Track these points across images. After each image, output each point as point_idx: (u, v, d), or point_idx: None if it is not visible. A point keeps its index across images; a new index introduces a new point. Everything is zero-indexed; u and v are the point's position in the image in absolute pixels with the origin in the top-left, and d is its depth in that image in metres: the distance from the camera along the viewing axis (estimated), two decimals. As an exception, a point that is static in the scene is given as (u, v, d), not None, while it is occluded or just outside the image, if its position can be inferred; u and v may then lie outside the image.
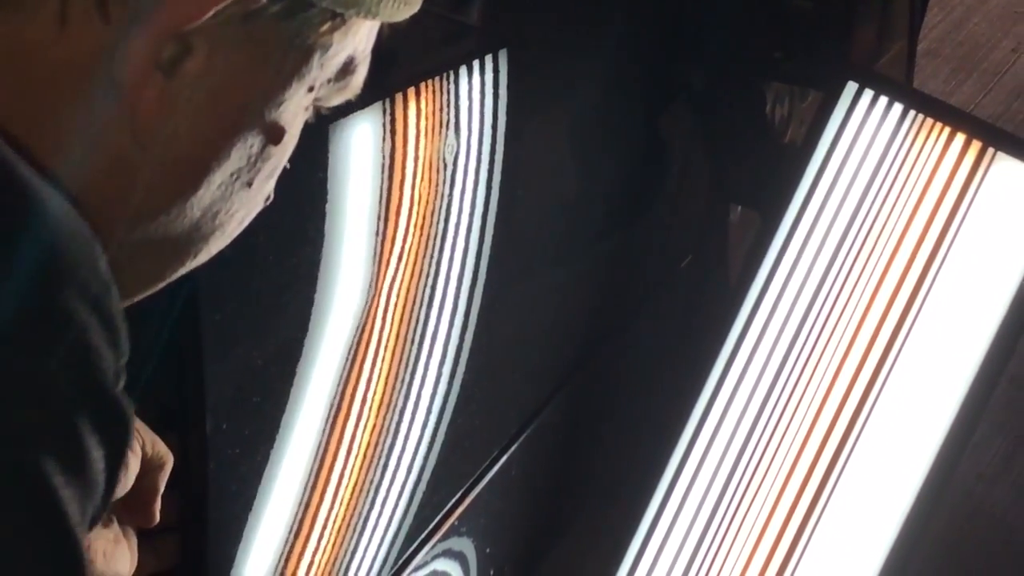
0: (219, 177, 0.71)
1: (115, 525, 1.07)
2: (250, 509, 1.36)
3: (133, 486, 1.06)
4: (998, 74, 4.77)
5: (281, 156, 0.75)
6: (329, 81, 0.75)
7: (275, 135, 0.72)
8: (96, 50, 0.64)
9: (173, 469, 1.15)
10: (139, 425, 1.06)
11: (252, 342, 1.27)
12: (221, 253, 1.15)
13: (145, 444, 1.06)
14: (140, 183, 0.67)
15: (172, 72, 0.65)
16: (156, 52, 0.64)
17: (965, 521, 2.85)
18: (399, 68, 1.46)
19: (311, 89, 0.73)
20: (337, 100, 0.78)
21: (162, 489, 1.10)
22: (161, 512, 1.17)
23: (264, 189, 0.76)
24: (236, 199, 0.73)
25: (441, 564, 1.83)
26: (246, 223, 0.76)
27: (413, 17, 0.75)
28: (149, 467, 1.07)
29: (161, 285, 0.75)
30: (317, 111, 0.78)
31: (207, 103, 0.68)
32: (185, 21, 0.64)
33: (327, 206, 1.34)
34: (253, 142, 0.72)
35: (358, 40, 0.74)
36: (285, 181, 1.22)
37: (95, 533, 1.03)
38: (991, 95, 4.63)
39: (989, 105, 4.56)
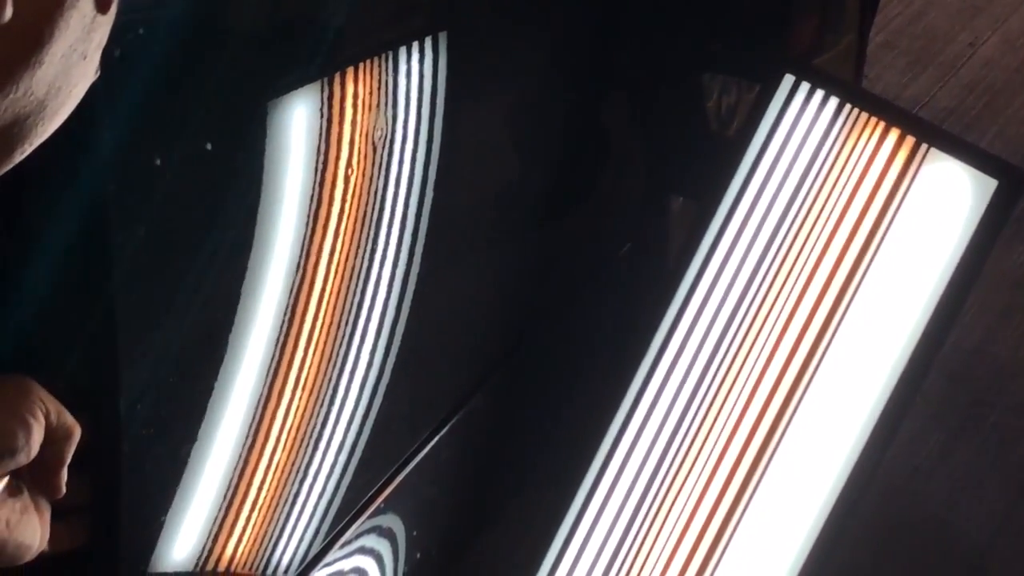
0: (60, 49, 0.70)
1: (25, 496, 1.08)
2: (168, 489, 1.36)
3: (38, 455, 1.06)
4: (954, 68, 4.78)
5: (107, 26, 0.75)
6: None
7: (104, 3, 0.72)
8: None
9: (87, 448, 1.16)
10: (44, 394, 1.06)
11: (170, 322, 1.27)
12: (140, 229, 1.16)
13: (50, 413, 1.06)
14: None
15: None
16: None
17: (900, 514, 2.87)
18: (340, 47, 1.46)
19: None
20: None
21: (68, 459, 1.11)
22: (76, 491, 1.18)
23: (95, 61, 0.76)
24: (75, 72, 0.73)
25: (366, 546, 1.83)
26: (80, 97, 0.76)
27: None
28: (54, 436, 1.08)
29: (8, 167, 0.74)
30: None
31: None
32: None
33: (258, 186, 1.33)
34: (86, 11, 0.71)
35: None
36: (214, 159, 1.22)
37: (-2, 501, 1.03)
38: (946, 89, 4.65)
39: (943, 99, 4.58)
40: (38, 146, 0.75)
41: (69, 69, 0.72)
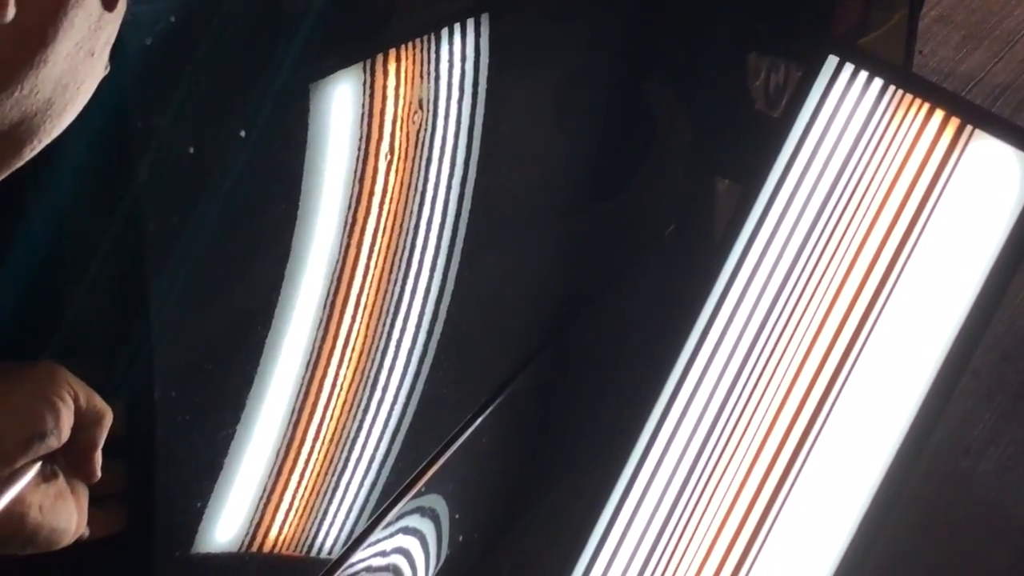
0: (65, 48, 0.70)
1: (60, 481, 1.09)
2: (206, 475, 1.37)
3: (70, 439, 1.07)
4: (1010, 43, 4.73)
5: (115, 23, 0.75)
6: None
7: (110, 0, 0.72)
8: None
9: (123, 435, 1.17)
10: (73, 379, 1.07)
11: (206, 309, 1.27)
12: (175, 217, 1.16)
13: (79, 397, 1.07)
14: None
15: None
16: None
17: (950, 495, 2.85)
18: (378, 30, 1.46)
19: None
20: None
21: (100, 443, 1.11)
22: (114, 476, 1.19)
23: (104, 57, 0.76)
24: (82, 69, 0.73)
25: (410, 526, 1.84)
26: (90, 94, 0.76)
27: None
28: (85, 420, 1.08)
29: (18, 165, 0.74)
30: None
31: None
32: None
33: (295, 171, 1.33)
34: (92, 9, 0.71)
35: None
36: (252, 142, 1.23)
37: (31, 487, 1.04)
38: (1002, 63, 4.60)
39: (999, 74, 4.53)
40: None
41: (76, 66, 0.72)
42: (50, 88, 0.71)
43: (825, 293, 1.97)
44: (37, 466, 1.05)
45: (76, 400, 1.07)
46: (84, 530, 1.13)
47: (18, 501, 1.02)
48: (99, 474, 1.13)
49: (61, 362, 1.08)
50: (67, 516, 1.09)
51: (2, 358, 1.06)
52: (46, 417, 1.04)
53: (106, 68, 0.76)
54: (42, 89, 0.70)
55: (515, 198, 1.87)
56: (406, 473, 1.76)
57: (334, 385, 1.52)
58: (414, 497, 1.80)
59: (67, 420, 1.06)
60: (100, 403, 1.10)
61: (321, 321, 1.45)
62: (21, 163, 0.73)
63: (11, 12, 0.63)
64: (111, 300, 1.18)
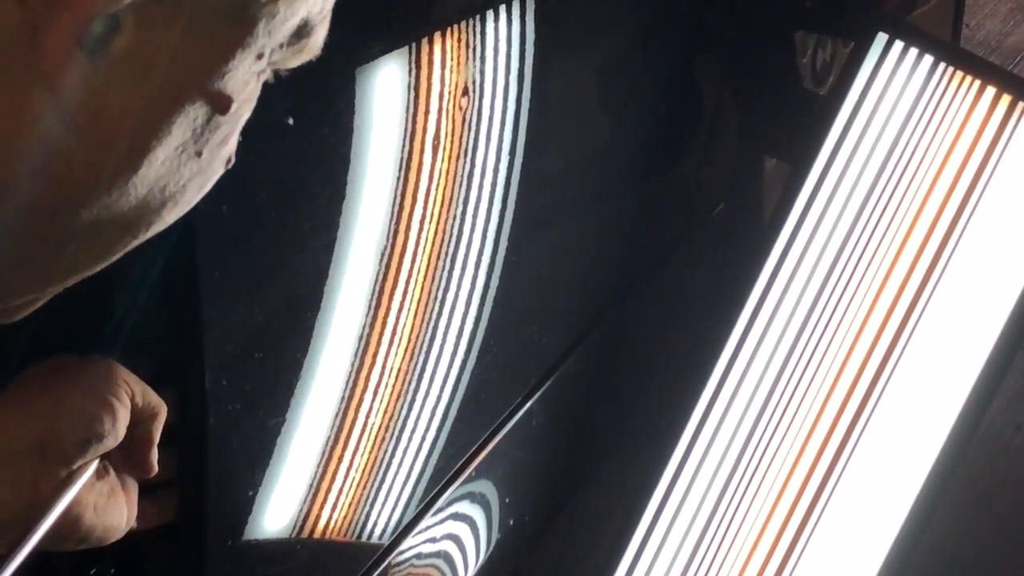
0: (162, 153, 0.68)
1: (111, 477, 1.08)
2: (257, 463, 1.37)
3: (126, 436, 1.06)
4: (1058, 15, 4.69)
5: (234, 122, 0.73)
6: (282, 46, 0.73)
7: (221, 105, 0.70)
8: (12, 38, 0.61)
9: (173, 424, 1.16)
10: (128, 376, 1.06)
11: (255, 297, 1.27)
12: (223, 206, 1.16)
13: (135, 395, 1.06)
14: (77, 168, 0.64)
15: (98, 51, 0.62)
16: (77, 33, 0.61)
17: (1002, 471, 2.83)
18: (428, 11, 1.45)
19: (260, 56, 0.71)
20: (295, 63, 0.75)
21: (157, 438, 1.11)
22: (163, 467, 1.18)
23: (220, 155, 0.73)
24: (186, 171, 0.71)
25: (460, 512, 1.83)
26: (206, 190, 0.74)
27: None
28: (141, 417, 1.08)
29: (114, 259, 0.72)
30: (276, 73, 0.75)
31: (140, 80, 0.65)
32: (105, 5, 0.61)
33: (343, 158, 1.33)
34: (197, 114, 0.69)
35: (311, 3, 0.73)
36: (298, 128, 1.22)
37: (86, 487, 1.04)
38: (1049, 37, 4.57)
39: (1046, 47, 4.50)
40: None
41: (177, 168, 0.69)
42: (144, 190, 0.68)
43: (877, 271, 1.96)
44: (94, 466, 1.04)
45: (132, 398, 1.06)
46: (134, 522, 1.13)
47: (74, 502, 1.02)
48: (156, 469, 1.12)
49: (113, 355, 1.08)
50: (119, 513, 1.09)
51: (55, 353, 1.06)
52: (103, 418, 1.03)
53: (228, 163, 0.74)
54: (134, 192, 0.68)
55: (564, 179, 1.86)
56: (456, 458, 1.76)
57: (383, 371, 1.52)
58: (464, 482, 1.79)
59: (123, 420, 1.05)
60: (155, 399, 1.10)
61: (370, 307, 1.45)
62: (115, 258, 0.71)
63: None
64: (161, 290, 1.17)
